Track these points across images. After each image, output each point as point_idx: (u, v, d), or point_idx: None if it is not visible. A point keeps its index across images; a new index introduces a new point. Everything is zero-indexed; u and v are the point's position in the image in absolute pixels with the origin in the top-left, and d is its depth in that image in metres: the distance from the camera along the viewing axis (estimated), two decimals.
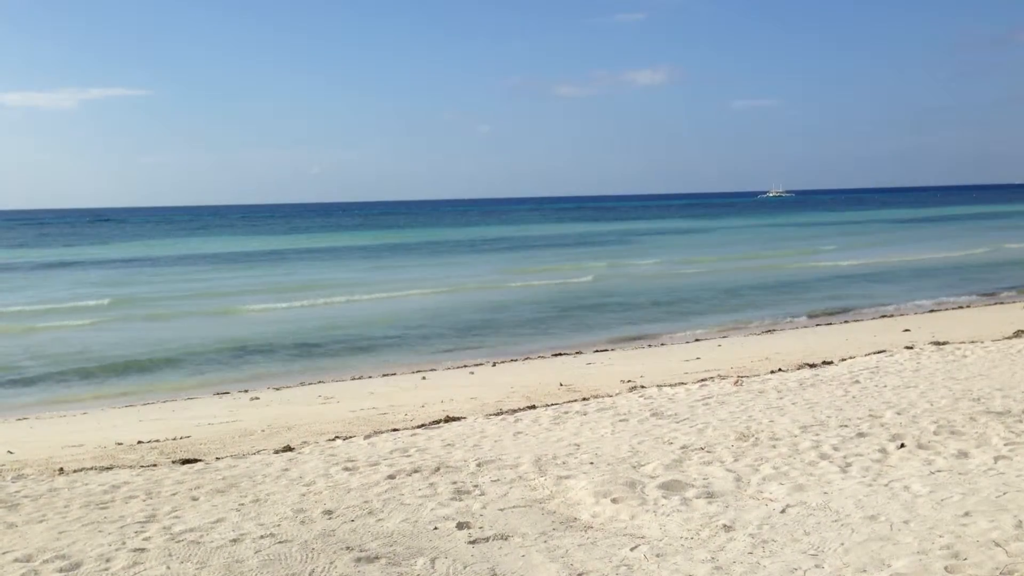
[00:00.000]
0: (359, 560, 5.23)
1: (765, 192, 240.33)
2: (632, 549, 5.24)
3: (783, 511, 5.76)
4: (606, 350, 18.09)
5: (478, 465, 7.39)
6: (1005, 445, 7.05)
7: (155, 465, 8.49)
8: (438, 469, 7.34)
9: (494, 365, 16.68)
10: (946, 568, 4.64)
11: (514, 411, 10.26)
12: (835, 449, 7.24)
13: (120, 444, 10.16)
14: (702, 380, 11.66)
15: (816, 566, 4.80)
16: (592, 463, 7.25)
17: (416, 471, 7.30)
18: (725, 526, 5.53)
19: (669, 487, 6.39)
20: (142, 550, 5.53)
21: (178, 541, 5.70)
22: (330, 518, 6.11)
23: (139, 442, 10.21)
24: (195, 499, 6.83)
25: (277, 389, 15.18)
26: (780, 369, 12.51)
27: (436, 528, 5.78)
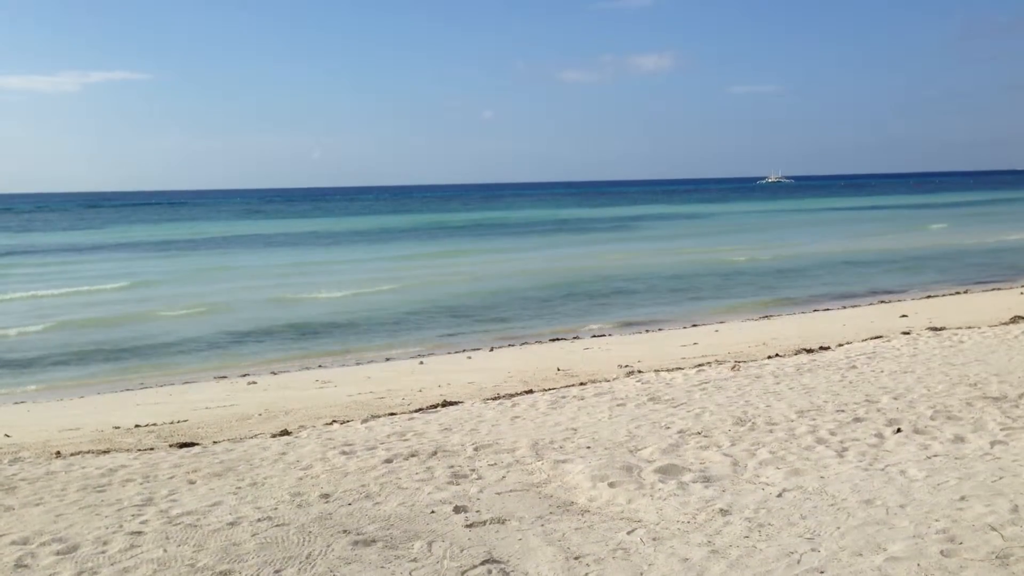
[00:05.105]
0: (356, 543, 5.23)
1: (764, 177, 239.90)
2: (629, 533, 5.25)
3: (779, 495, 5.77)
4: (604, 335, 18.10)
5: (475, 449, 7.40)
6: (1001, 430, 7.06)
7: (152, 449, 8.49)
8: (435, 453, 7.34)
9: (491, 350, 16.67)
10: (942, 552, 4.65)
11: (511, 396, 10.26)
12: (832, 434, 7.25)
13: (117, 428, 10.16)
14: (699, 365, 11.66)
15: (812, 550, 4.81)
16: (589, 447, 7.26)
17: (413, 455, 7.30)
18: (722, 510, 5.54)
19: (666, 471, 6.39)
20: (139, 533, 5.53)
21: (175, 524, 5.70)
22: (327, 502, 6.12)
23: (136, 426, 10.21)
24: (192, 483, 6.83)
25: (275, 373, 15.18)
26: (777, 354, 12.50)
27: (433, 512, 5.78)
